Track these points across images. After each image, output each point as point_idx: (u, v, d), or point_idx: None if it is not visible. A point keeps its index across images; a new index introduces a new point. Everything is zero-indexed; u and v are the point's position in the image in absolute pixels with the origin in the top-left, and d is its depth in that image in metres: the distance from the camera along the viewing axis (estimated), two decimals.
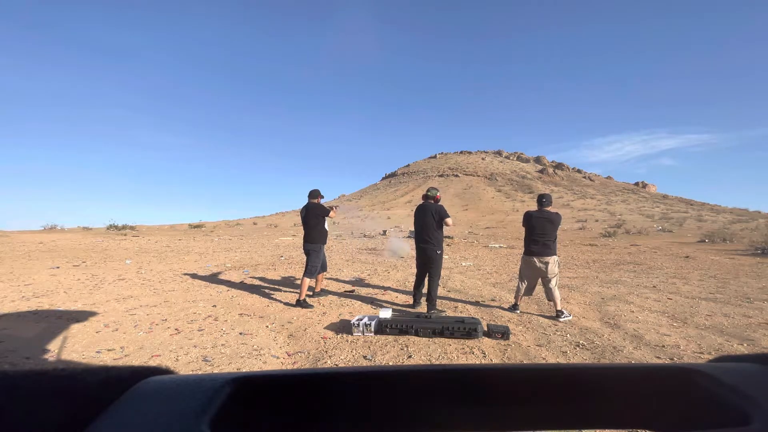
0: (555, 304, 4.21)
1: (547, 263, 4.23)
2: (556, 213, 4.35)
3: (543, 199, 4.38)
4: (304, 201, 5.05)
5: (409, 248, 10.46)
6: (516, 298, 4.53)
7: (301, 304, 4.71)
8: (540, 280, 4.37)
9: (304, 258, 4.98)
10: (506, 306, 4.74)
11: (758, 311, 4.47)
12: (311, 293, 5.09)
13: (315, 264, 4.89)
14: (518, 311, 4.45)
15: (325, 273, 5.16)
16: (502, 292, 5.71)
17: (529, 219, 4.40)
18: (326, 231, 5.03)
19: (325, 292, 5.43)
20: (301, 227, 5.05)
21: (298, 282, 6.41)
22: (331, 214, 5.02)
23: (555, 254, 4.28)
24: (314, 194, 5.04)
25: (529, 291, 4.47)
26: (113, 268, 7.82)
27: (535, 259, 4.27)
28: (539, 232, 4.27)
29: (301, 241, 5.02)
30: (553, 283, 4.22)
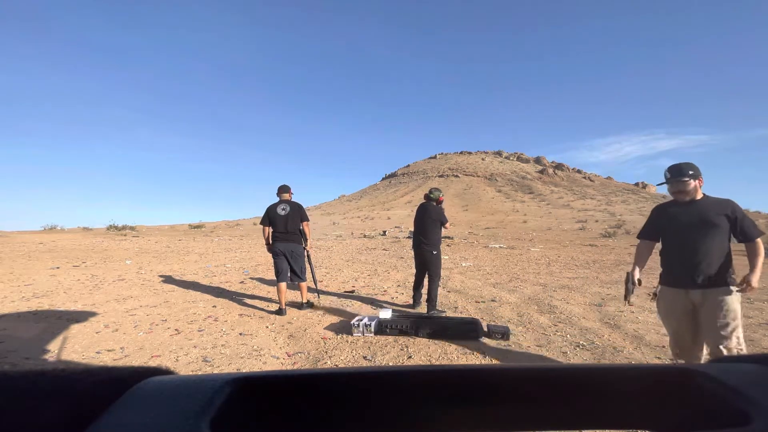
0: None
1: (713, 299, 2.19)
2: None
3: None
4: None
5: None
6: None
7: (308, 305, 4.64)
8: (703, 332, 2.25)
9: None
10: (509, 306, 4.73)
11: (758, 311, 4.47)
12: (299, 307, 4.68)
13: (303, 265, 4.60)
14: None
15: (305, 283, 4.69)
16: (502, 292, 5.70)
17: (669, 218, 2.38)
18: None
19: (309, 304, 4.74)
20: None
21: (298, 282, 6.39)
22: (306, 225, 4.62)
23: (727, 283, 2.21)
24: (286, 189, 4.63)
25: (689, 354, 2.36)
26: (113, 269, 7.82)
27: (689, 293, 2.28)
28: (691, 243, 2.25)
29: None
30: (736, 340, 2.12)
